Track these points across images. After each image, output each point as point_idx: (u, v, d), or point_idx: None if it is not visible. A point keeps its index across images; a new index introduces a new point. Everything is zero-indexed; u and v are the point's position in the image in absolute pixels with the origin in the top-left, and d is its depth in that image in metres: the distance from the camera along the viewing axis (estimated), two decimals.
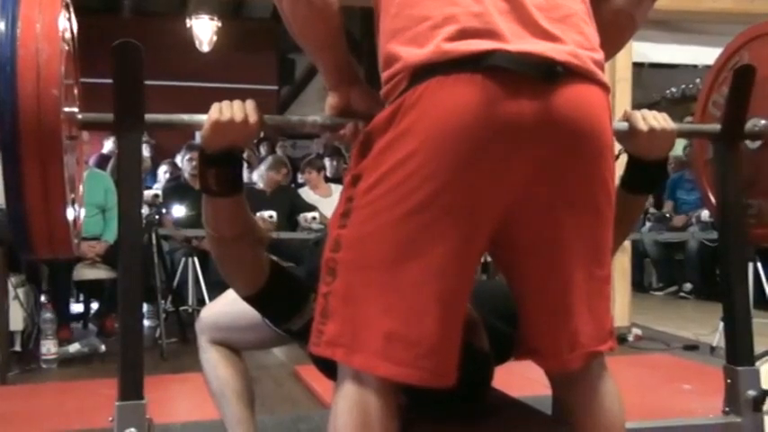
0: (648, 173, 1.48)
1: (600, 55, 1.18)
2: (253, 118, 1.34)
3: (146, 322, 5.02)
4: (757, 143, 1.59)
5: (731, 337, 1.58)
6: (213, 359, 1.87)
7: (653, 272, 6.72)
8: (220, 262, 1.50)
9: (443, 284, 1.12)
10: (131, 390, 1.30)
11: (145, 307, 5.05)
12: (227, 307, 1.88)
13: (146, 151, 7.53)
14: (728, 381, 1.55)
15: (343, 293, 1.15)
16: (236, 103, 1.35)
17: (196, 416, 2.92)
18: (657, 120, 1.44)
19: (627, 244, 4.81)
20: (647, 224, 6.31)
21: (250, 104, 1.36)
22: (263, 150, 7.98)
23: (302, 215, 5.06)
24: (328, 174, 6.33)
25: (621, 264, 4.71)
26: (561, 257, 1.19)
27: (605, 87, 1.16)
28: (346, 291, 1.15)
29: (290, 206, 5.27)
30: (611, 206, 1.21)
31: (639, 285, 6.55)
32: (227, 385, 1.85)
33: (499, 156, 1.10)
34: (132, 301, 1.33)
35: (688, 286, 6.16)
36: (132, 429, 1.28)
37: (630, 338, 4.52)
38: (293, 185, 6.42)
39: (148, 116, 1.37)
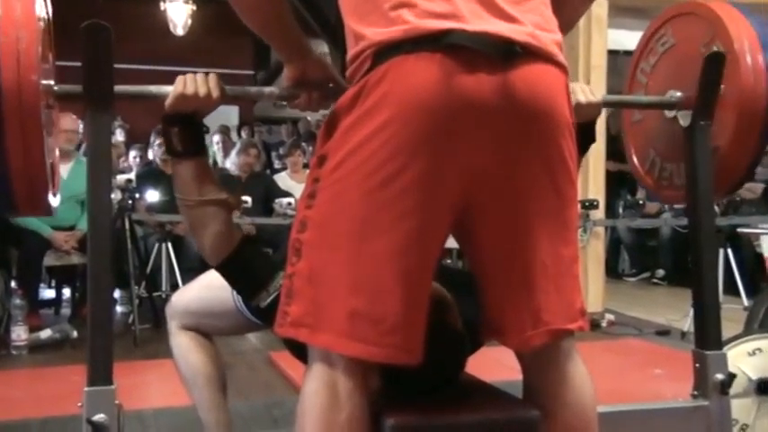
0: (578, 135, 1.60)
1: (558, 36, 1.21)
2: (215, 93, 1.47)
3: (119, 308, 4.99)
4: (673, 113, 1.69)
5: (700, 322, 1.60)
6: (184, 344, 1.86)
7: (627, 258, 6.79)
8: (192, 228, 1.57)
9: (407, 262, 1.14)
10: (100, 375, 1.29)
11: (118, 293, 5.02)
12: (199, 292, 1.87)
13: (119, 136, 7.46)
14: (697, 365, 1.57)
15: (307, 273, 1.16)
16: (200, 76, 1.47)
17: (169, 402, 2.90)
18: (585, 93, 1.59)
19: (601, 230, 4.84)
20: (621, 211, 6.36)
21: (213, 79, 1.48)
22: (243, 134, 7.95)
23: (278, 201, 5.04)
24: (304, 159, 6.32)
25: (596, 250, 4.75)
26: (523, 235, 1.20)
27: (563, 68, 1.19)
28: (310, 271, 1.16)
29: (265, 192, 5.25)
30: (573, 185, 1.24)
31: (613, 271, 6.61)
32: (198, 371, 1.84)
33: (459, 132, 1.12)
34: (102, 285, 1.31)
35: (660, 272, 6.23)
36: (101, 415, 1.26)
37: (603, 324, 4.57)
38: (268, 171, 6.39)
39: (117, 87, 1.41)
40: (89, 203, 1.36)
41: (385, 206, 1.12)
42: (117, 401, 1.31)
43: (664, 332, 4.27)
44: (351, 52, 1.19)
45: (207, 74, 1.50)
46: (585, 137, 1.65)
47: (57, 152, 1.62)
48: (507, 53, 1.11)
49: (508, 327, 1.27)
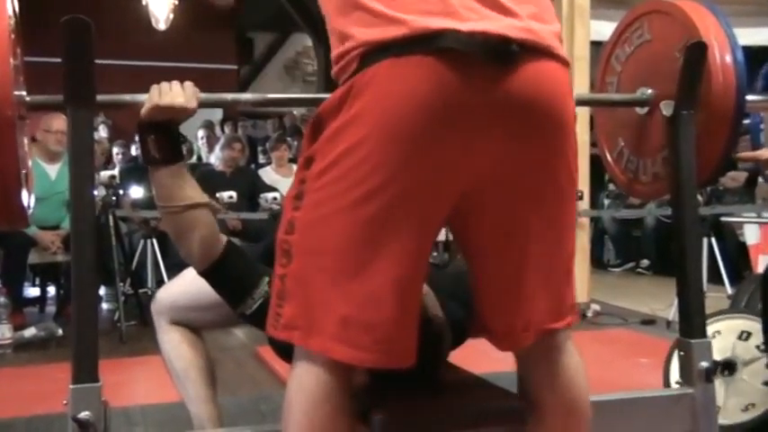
0: None
1: (557, 26, 1.14)
2: (191, 103, 1.46)
3: (104, 305, 4.96)
4: (645, 109, 1.71)
5: (684, 311, 1.61)
6: (175, 339, 1.86)
7: (612, 248, 6.82)
8: (175, 236, 1.55)
9: (399, 271, 1.10)
10: (86, 373, 1.28)
11: (103, 290, 5.00)
12: (186, 287, 1.86)
13: (103, 132, 7.40)
14: (682, 353, 1.58)
15: (298, 276, 1.14)
16: (176, 85, 1.45)
17: (156, 398, 2.90)
18: None
19: (586, 221, 4.87)
20: (606, 201, 6.39)
21: (189, 87, 1.46)
22: (226, 129, 7.92)
23: (263, 195, 5.02)
24: (290, 154, 6.30)
25: (581, 241, 4.77)
26: (517, 240, 1.17)
27: (564, 61, 1.12)
28: (302, 274, 1.13)
29: (250, 187, 5.23)
30: (573, 184, 1.20)
31: (599, 262, 6.65)
32: (190, 365, 1.84)
33: (454, 144, 1.06)
34: (86, 282, 1.31)
35: (645, 262, 6.26)
36: (87, 412, 1.26)
37: (589, 314, 4.60)
38: (253, 166, 6.37)
39: (100, 97, 1.39)
40: (72, 202, 1.35)
41: (373, 218, 1.08)
42: (103, 398, 1.30)
43: (649, 321, 4.30)
44: (336, 51, 1.13)
45: (183, 82, 1.47)
46: None
47: (28, 162, 1.60)
48: (504, 54, 1.04)
49: (499, 329, 1.25)
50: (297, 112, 9.31)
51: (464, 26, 1.03)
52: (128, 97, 1.48)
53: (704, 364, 1.54)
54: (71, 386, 1.28)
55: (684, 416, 1.53)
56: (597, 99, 1.96)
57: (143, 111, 1.44)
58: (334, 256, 1.10)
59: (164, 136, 1.47)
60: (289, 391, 1.18)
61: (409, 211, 1.08)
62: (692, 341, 1.56)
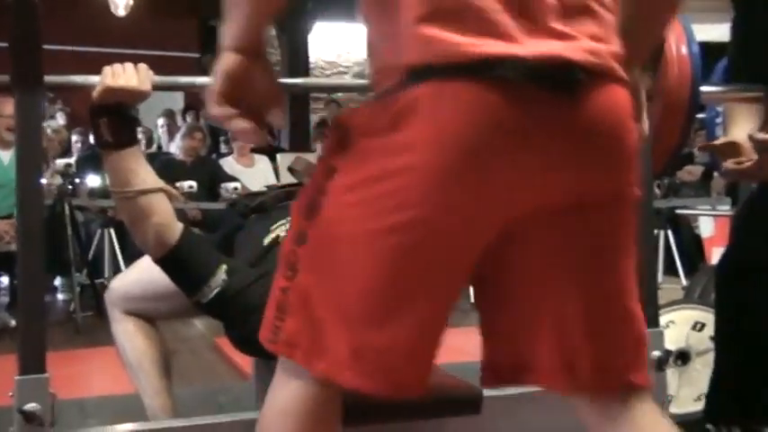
0: None
1: (617, 47, 1.01)
2: (144, 85, 1.43)
3: (60, 296, 4.89)
4: None
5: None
6: (129, 330, 1.84)
7: None
8: (130, 222, 1.53)
9: (424, 306, 0.99)
10: (33, 364, 1.25)
11: (59, 280, 4.91)
12: (140, 275, 1.84)
13: (61, 119, 7.27)
14: None
15: (304, 293, 1.01)
16: (129, 67, 1.42)
17: (111, 390, 2.86)
18: None
19: None
20: None
21: (142, 69, 1.44)
22: (188, 118, 7.83)
23: (224, 185, 4.98)
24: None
25: None
26: (576, 271, 1.03)
27: (627, 84, 1.01)
28: (309, 292, 1.01)
29: (211, 177, 5.18)
30: (634, 212, 1.05)
31: None
32: (144, 356, 1.82)
33: (509, 182, 0.96)
34: (33, 271, 1.28)
35: None
36: (33, 404, 1.23)
37: None
38: (215, 155, 6.31)
39: (49, 78, 1.35)
40: (18, 189, 1.31)
41: (406, 252, 0.96)
42: (51, 390, 1.27)
43: None
44: (380, 60, 1.01)
45: (136, 64, 1.45)
46: None
47: None
48: (569, 82, 0.93)
49: (548, 362, 1.06)
50: None
51: (523, 50, 0.92)
52: (79, 79, 1.45)
53: (656, 353, 1.56)
54: (17, 377, 1.25)
55: None
56: None
57: (95, 93, 1.42)
58: (351, 279, 0.98)
59: (116, 119, 1.45)
60: (270, 412, 1.05)
61: (444, 247, 0.97)
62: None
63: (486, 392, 1.41)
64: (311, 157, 6.76)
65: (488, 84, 0.91)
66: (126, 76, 1.42)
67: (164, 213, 1.51)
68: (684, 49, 1.60)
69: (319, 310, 1.00)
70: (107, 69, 1.42)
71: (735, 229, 2.05)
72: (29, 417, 1.23)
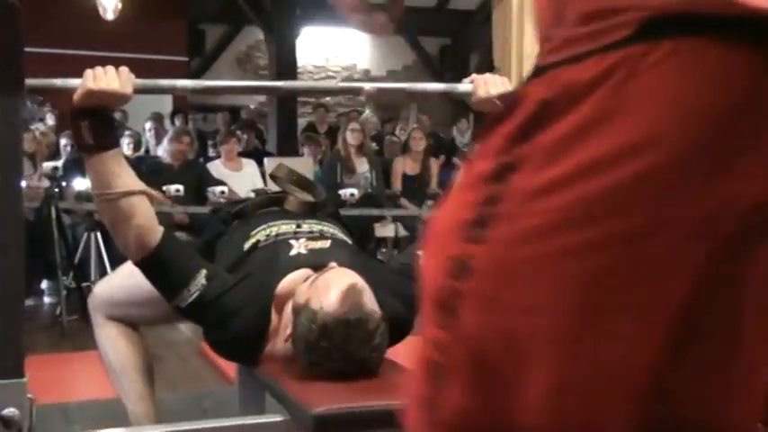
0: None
1: None
2: (126, 89, 1.44)
3: (46, 299, 4.87)
4: None
5: None
6: (112, 335, 1.84)
7: None
8: (111, 224, 1.54)
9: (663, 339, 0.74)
10: (10, 368, 1.24)
11: (45, 283, 4.89)
12: (123, 281, 1.84)
13: (50, 120, 7.24)
14: None
15: (477, 345, 0.72)
16: (110, 70, 1.43)
17: (95, 394, 2.84)
18: (497, 85, 1.64)
19: None
20: None
21: (124, 73, 1.44)
22: (177, 122, 7.82)
23: (211, 189, 4.97)
24: (239, 148, 6.23)
25: None
26: None
27: None
28: (485, 342, 0.72)
29: (198, 180, 5.17)
30: None
31: None
32: (127, 361, 1.82)
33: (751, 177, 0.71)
34: (10, 275, 1.27)
35: None
36: (11, 409, 1.22)
37: None
38: (202, 159, 6.30)
39: (30, 81, 1.35)
40: None
41: (637, 264, 0.71)
42: (29, 395, 1.27)
43: None
44: (594, 4, 0.72)
45: (117, 67, 1.46)
46: None
47: None
48: None
49: None
50: (254, 106, 9.24)
51: None
52: (59, 81, 1.45)
53: None
54: None
55: None
56: None
57: (76, 96, 1.42)
58: (555, 317, 0.71)
59: (98, 121, 1.45)
60: None
61: (691, 254, 0.72)
62: None
63: None
64: (299, 162, 6.76)
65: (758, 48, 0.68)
66: (107, 78, 1.43)
67: (145, 215, 1.51)
68: None
69: (507, 363, 0.72)
70: (88, 72, 1.43)
71: None
72: (6, 422, 1.22)
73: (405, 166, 5.95)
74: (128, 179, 1.50)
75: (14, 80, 1.28)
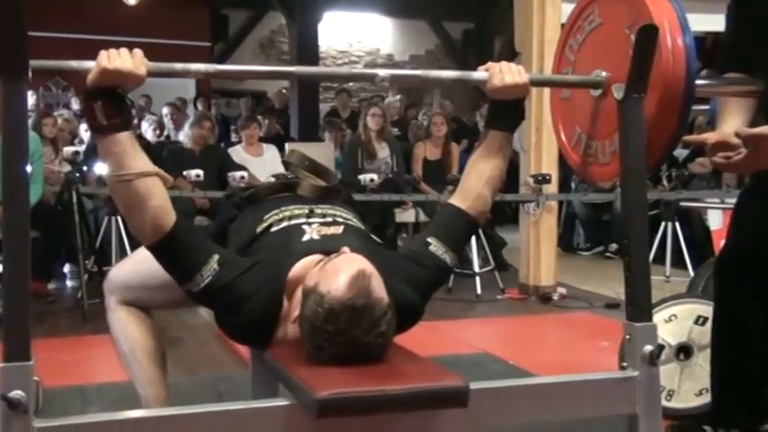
0: (507, 112, 1.69)
1: None
2: (140, 69, 1.43)
3: (68, 282, 4.93)
4: (599, 91, 1.70)
5: (630, 294, 1.62)
6: (123, 319, 1.85)
7: (582, 232, 6.86)
8: (127, 206, 1.52)
9: None
10: (17, 351, 1.25)
11: (67, 267, 4.94)
12: (137, 265, 1.85)
13: (75, 104, 7.30)
14: (627, 336, 1.58)
15: None
16: (124, 51, 1.43)
17: (114, 377, 2.86)
18: (512, 73, 1.63)
19: (554, 204, 4.88)
20: (574, 185, 6.41)
21: (137, 54, 1.44)
22: (199, 107, 7.85)
23: (231, 174, 4.98)
24: (261, 133, 6.24)
25: (548, 224, 4.78)
26: None
27: None
28: None
29: (219, 165, 5.19)
30: None
31: (569, 246, 6.69)
32: (137, 345, 1.83)
33: None
34: (17, 259, 1.28)
35: (614, 246, 6.30)
36: (18, 392, 1.23)
37: (555, 297, 4.63)
38: (223, 144, 6.32)
39: (33, 62, 1.34)
40: (4, 178, 1.30)
41: None
42: (36, 378, 1.28)
43: (613, 305, 4.33)
44: None
45: (131, 49, 1.46)
46: (515, 114, 1.71)
47: None
48: None
49: None
50: (273, 91, 9.23)
51: None
52: (74, 63, 1.45)
53: (648, 347, 1.54)
54: (1, 365, 1.25)
55: (628, 399, 1.53)
56: (554, 80, 1.95)
57: (90, 76, 1.42)
58: None
59: (111, 102, 1.45)
60: None
61: None
62: (637, 324, 1.57)
63: (473, 385, 1.39)
64: (321, 147, 6.74)
65: None
66: (121, 59, 1.43)
67: (161, 197, 1.50)
68: (680, 41, 1.58)
69: None
70: (103, 53, 1.43)
71: (730, 223, 2.03)
72: (13, 404, 1.23)
73: (426, 151, 5.91)
74: (141, 161, 1.49)
75: (18, 64, 1.29)
